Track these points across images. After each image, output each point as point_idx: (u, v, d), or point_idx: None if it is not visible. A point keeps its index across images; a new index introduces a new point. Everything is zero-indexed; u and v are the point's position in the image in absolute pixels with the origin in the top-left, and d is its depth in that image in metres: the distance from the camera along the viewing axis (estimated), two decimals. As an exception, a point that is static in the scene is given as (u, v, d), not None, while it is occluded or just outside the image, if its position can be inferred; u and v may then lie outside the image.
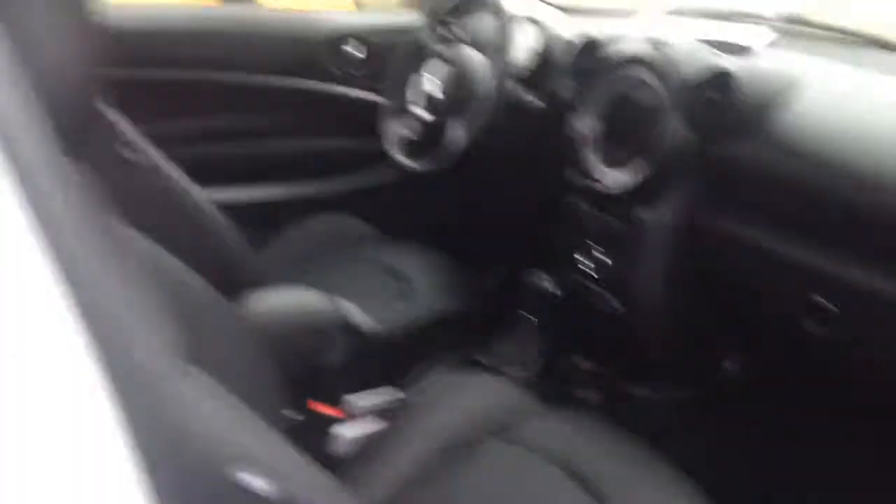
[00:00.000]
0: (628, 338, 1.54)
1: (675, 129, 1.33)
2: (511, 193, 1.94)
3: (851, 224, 1.11)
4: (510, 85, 1.72)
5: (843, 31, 1.41)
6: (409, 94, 1.86)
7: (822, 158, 1.14)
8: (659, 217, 1.41)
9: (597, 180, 1.47)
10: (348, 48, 2.05)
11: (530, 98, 1.73)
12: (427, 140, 1.80)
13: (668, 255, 1.42)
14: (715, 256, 1.36)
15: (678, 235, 1.40)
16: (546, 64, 1.72)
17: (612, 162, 1.46)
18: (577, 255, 1.56)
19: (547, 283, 1.74)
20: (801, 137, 1.19)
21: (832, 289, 1.14)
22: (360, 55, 2.06)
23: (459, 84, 1.76)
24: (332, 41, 2.04)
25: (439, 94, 1.78)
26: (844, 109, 1.18)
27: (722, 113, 1.28)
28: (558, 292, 1.69)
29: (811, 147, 1.17)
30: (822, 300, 1.15)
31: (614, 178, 1.44)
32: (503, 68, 1.70)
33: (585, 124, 1.50)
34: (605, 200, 1.48)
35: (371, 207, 2.05)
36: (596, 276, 1.52)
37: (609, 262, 1.50)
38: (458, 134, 1.72)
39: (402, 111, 1.86)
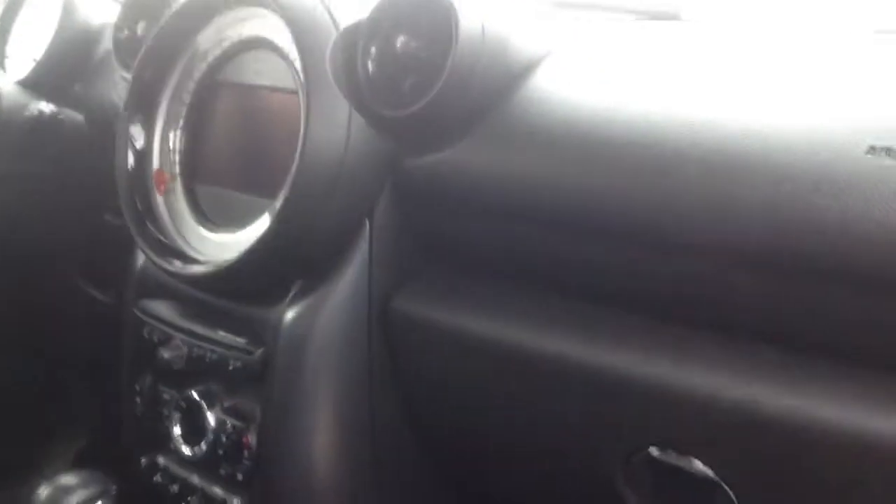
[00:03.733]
0: None
1: (331, 136, 0.78)
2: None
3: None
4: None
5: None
6: None
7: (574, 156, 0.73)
8: (318, 316, 0.82)
9: (180, 256, 0.90)
10: None
11: (48, 109, 1.17)
12: None
13: (346, 391, 0.85)
14: (442, 377, 0.85)
15: (356, 347, 0.84)
16: (76, 50, 1.21)
17: (217, 214, 0.91)
18: (150, 422, 0.96)
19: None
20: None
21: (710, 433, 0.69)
22: None
23: None
24: None
25: None
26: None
27: (429, 102, 0.75)
28: None
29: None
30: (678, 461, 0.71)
31: (220, 247, 0.88)
32: None
33: (157, 147, 0.95)
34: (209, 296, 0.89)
35: None
36: (194, 459, 0.91)
37: (231, 424, 0.88)
38: None
39: None
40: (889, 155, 0.59)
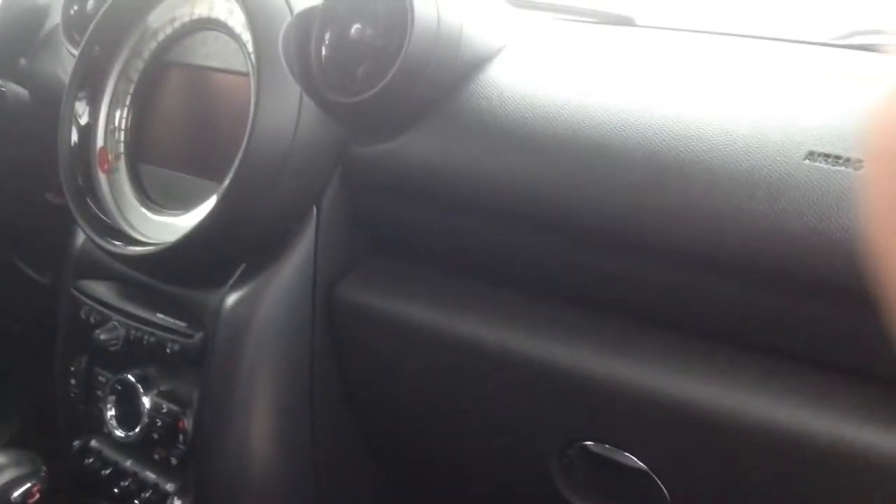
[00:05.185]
0: None
1: (280, 121, 0.77)
2: None
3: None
4: None
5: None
6: None
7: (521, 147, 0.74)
8: (260, 301, 0.81)
9: (121, 236, 0.86)
10: None
11: None
12: None
13: (286, 377, 0.85)
14: (381, 366, 0.86)
15: (299, 334, 0.84)
16: (23, 24, 1.16)
17: (162, 196, 0.89)
18: (85, 404, 0.94)
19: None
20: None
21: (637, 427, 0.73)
22: None
23: None
24: None
25: None
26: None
27: (381, 91, 0.75)
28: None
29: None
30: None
31: (162, 229, 0.86)
32: None
33: (102, 125, 0.92)
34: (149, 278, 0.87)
35: None
36: (128, 442, 0.89)
37: (166, 408, 0.86)
38: None
39: None
40: (827, 161, 0.61)
